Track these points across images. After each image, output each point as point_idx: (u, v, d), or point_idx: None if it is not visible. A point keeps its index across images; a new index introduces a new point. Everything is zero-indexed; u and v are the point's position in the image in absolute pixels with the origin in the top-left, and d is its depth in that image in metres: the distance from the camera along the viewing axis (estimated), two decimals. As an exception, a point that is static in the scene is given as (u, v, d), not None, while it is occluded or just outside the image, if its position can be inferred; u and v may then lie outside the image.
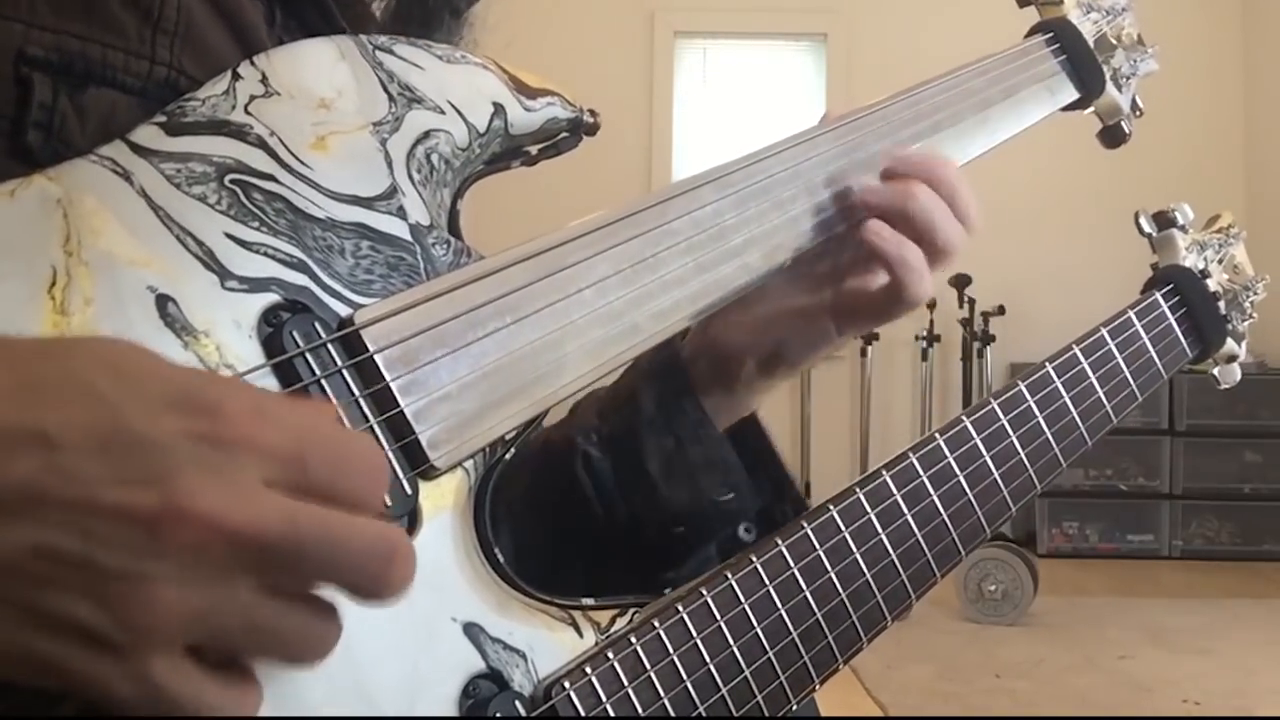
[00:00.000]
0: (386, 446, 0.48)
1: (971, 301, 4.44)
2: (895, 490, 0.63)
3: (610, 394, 0.69)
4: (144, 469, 0.34)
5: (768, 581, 0.57)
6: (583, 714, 0.50)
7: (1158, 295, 0.81)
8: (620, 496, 0.67)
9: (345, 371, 0.47)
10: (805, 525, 0.60)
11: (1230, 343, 0.86)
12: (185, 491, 0.34)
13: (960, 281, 4.40)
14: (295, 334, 0.47)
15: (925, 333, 4.66)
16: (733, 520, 0.67)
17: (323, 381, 0.47)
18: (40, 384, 0.35)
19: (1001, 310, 4.52)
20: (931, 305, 4.54)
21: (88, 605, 0.34)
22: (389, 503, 0.47)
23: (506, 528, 0.57)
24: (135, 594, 0.34)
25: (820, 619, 0.58)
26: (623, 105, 4.89)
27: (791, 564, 0.58)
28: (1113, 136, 0.89)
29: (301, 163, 0.50)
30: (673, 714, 0.53)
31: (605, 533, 0.67)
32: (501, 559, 0.52)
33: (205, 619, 0.35)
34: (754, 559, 0.57)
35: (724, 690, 0.54)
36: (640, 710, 0.52)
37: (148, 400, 0.36)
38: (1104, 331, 0.76)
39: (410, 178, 0.53)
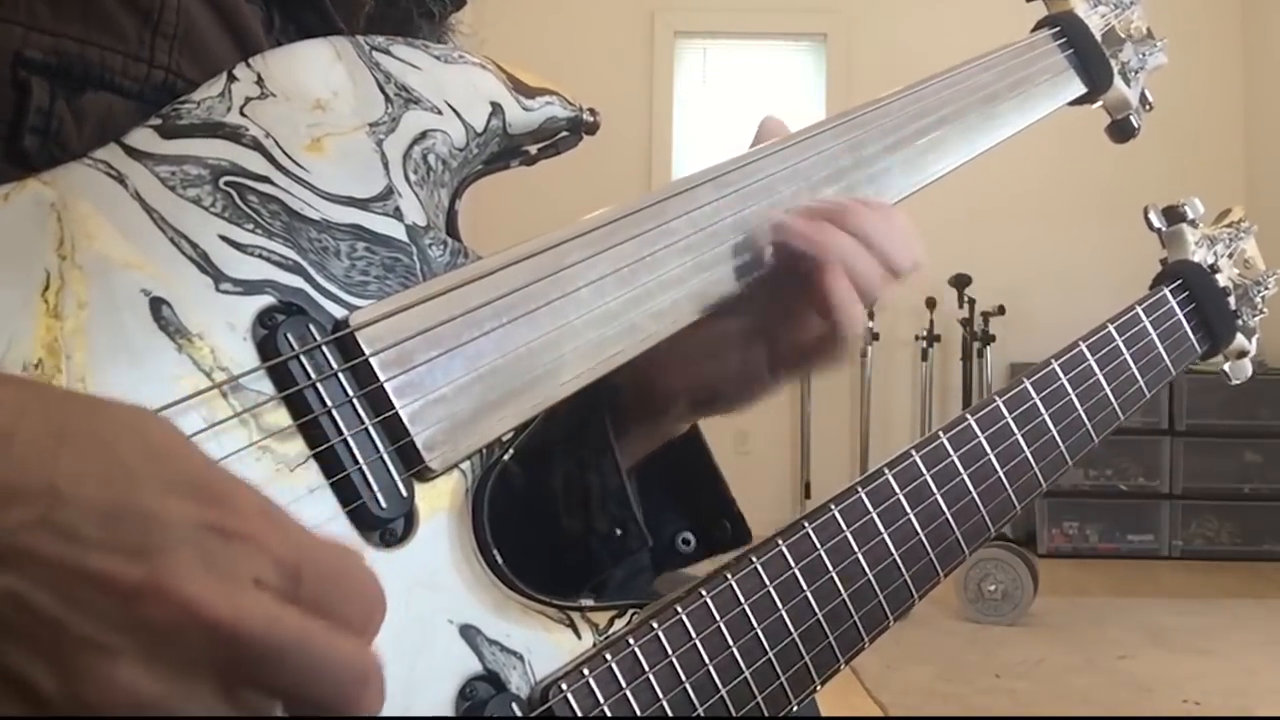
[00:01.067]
0: (382, 448, 0.47)
1: (971, 301, 4.43)
2: (898, 489, 0.62)
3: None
4: (140, 542, 0.34)
5: (768, 582, 0.57)
6: (580, 715, 0.50)
7: (1166, 291, 0.80)
8: (525, 512, 0.65)
9: (340, 374, 0.47)
10: (806, 525, 0.59)
11: (1240, 338, 0.86)
12: (173, 571, 0.34)
13: (960, 281, 4.40)
14: (290, 336, 0.46)
15: (925, 333, 4.65)
16: (617, 557, 0.65)
17: (318, 384, 0.46)
18: (67, 436, 0.35)
19: (1001, 310, 4.51)
20: (931, 305, 4.54)
21: (43, 665, 0.33)
22: (383, 505, 0.47)
23: (503, 524, 0.56)
24: (95, 665, 0.33)
25: (821, 619, 0.58)
26: (623, 105, 4.88)
27: (792, 564, 0.58)
28: (1122, 131, 0.88)
29: (297, 164, 0.50)
30: (671, 715, 0.52)
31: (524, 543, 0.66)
32: (500, 560, 0.51)
33: (157, 708, 0.34)
34: (754, 559, 0.57)
35: (723, 691, 0.54)
36: (638, 711, 0.51)
37: (164, 479, 0.35)
38: (1111, 328, 0.75)
39: (407, 178, 0.53)
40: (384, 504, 0.47)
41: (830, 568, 0.59)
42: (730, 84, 5.21)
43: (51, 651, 0.33)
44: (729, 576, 0.56)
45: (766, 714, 0.56)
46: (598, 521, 0.65)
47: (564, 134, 0.60)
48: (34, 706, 0.33)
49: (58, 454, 0.34)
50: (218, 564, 0.34)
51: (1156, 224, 0.85)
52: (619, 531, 0.65)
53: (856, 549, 0.60)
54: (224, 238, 0.47)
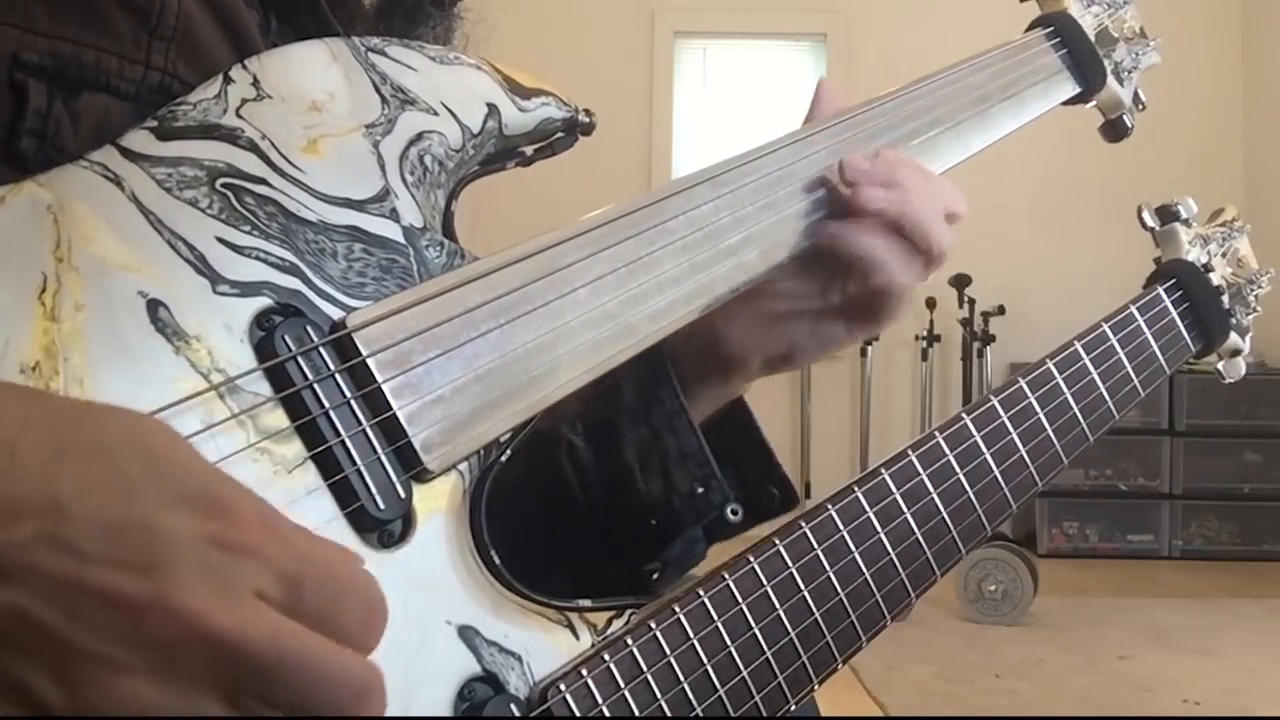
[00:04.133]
0: (380, 449, 0.48)
1: (971, 301, 4.43)
2: (894, 488, 0.62)
3: (593, 381, 0.69)
4: (143, 557, 0.34)
5: (765, 581, 0.57)
6: (578, 716, 0.50)
7: (1160, 290, 0.81)
8: (600, 487, 0.67)
9: (338, 375, 0.47)
10: (804, 524, 0.59)
11: (1234, 337, 0.86)
12: (176, 586, 0.34)
13: (960, 281, 4.40)
14: (287, 338, 0.46)
15: (925, 333, 4.65)
16: (701, 515, 0.66)
17: (315, 385, 0.46)
18: (69, 450, 0.35)
19: (1001, 310, 4.52)
20: (931, 305, 4.54)
21: (48, 679, 0.33)
22: (381, 506, 0.47)
23: (500, 523, 0.56)
24: (99, 679, 0.33)
25: (819, 618, 0.58)
26: (623, 105, 4.88)
27: (790, 563, 0.58)
28: (1115, 130, 0.88)
29: (293, 166, 0.50)
30: (670, 715, 0.52)
31: (588, 524, 0.67)
32: (498, 561, 0.52)
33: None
34: (751, 559, 0.57)
35: (721, 691, 0.54)
36: (637, 712, 0.52)
37: (167, 491, 0.35)
38: (1105, 327, 0.76)
39: (403, 180, 0.53)
40: (382, 505, 0.47)
41: (827, 567, 0.59)
42: (730, 84, 5.21)
43: (56, 665, 0.33)
44: (726, 576, 0.57)
45: (765, 713, 0.56)
46: (679, 481, 0.66)
47: (560, 135, 0.60)
48: (39, 716, 0.33)
49: (60, 467, 0.34)
50: (220, 577, 0.35)
51: (1150, 223, 0.86)
52: (701, 489, 0.66)
53: (853, 548, 0.60)
54: (221, 239, 0.47)
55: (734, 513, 0.66)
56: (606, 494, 0.67)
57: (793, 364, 0.70)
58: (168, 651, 0.34)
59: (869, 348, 4.70)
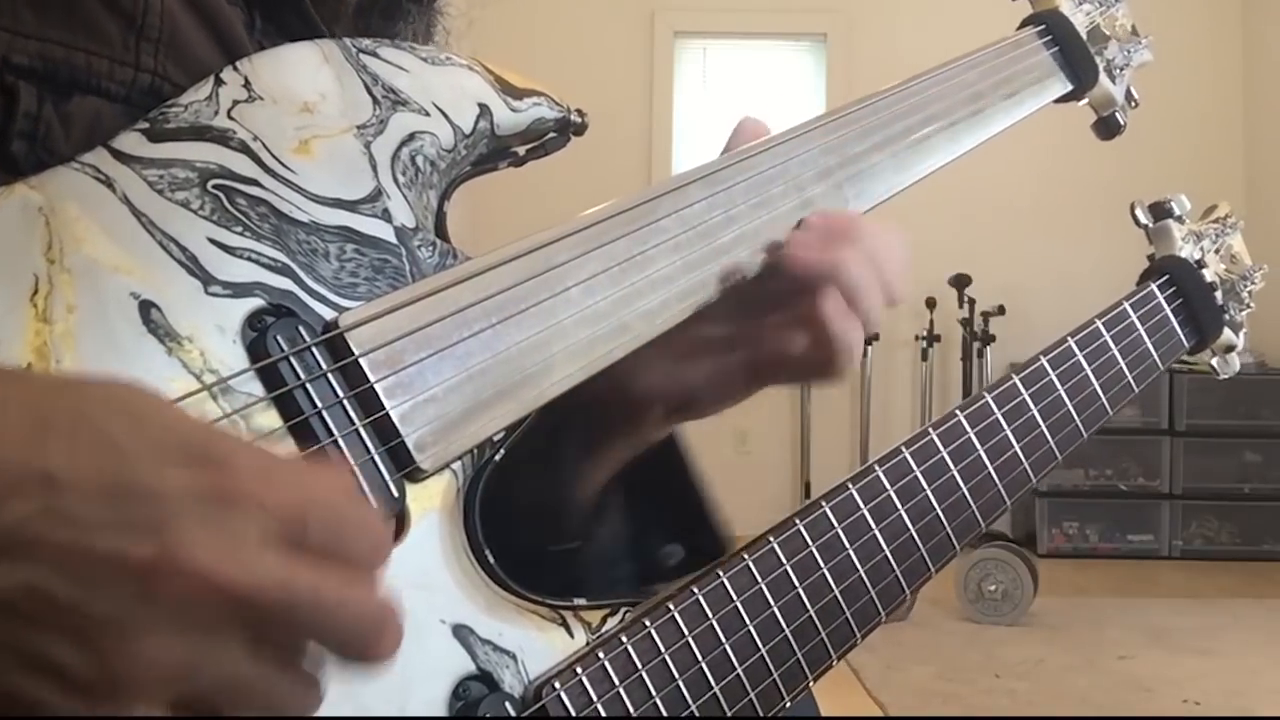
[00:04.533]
0: (372, 449, 0.48)
1: (971, 301, 4.43)
2: (888, 485, 0.63)
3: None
4: (144, 518, 0.34)
5: (760, 579, 0.57)
6: (573, 714, 0.50)
7: (1153, 286, 0.81)
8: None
9: (330, 375, 0.47)
10: (797, 522, 0.60)
11: (1228, 333, 0.86)
12: (182, 544, 0.34)
13: (960, 281, 4.40)
14: (279, 338, 0.47)
15: (925, 333, 4.65)
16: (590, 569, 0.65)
17: (307, 385, 0.47)
18: (52, 423, 0.35)
19: (1001, 310, 4.51)
20: (931, 305, 4.54)
21: (72, 649, 0.34)
22: (374, 505, 0.47)
23: (503, 519, 0.56)
24: (122, 642, 0.34)
25: (813, 615, 0.58)
26: (623, 105, 4.89)
27: (784, 560, 0.58)
28: (1107, 127, 0.88)
29: (285, 166, 0.50)
30: (665, 713, 0.53)
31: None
32: (492, 560, 0.52)
33: (189, 673, 0.35)
34: (745, 556, 0.57)
35: (716, 689, 0.54)
36: (632, 709, 0.52)
37: (157, 450, 0.35)
38: (1099, 323, 0.76)
39: (395, 180, 0.53)
40: (375, 504, 0.47)
41: (821, 564, 0.59)
42: (730, 84, 5.21)
43: (77, 634, 0.34)
44: (720, 574, 0.57)
45: (760, 710, 0.56)
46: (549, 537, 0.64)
47: (552, 135, 0.60)
48: (70, 688, 0.34)
49: (46, 441, 0.34)
50: (223, 529, 0.35)
51: (1143, 220, 0.86)
52: (576, 544, 0.65)
53: (848, 545, 0.60)
54: (213, 240, 0.47)
55: (668, 556, 0.65)
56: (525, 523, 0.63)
57: (695, 409, 0.66)
58: (183, 608, 0.34)
59: (869, 348, 4.70)
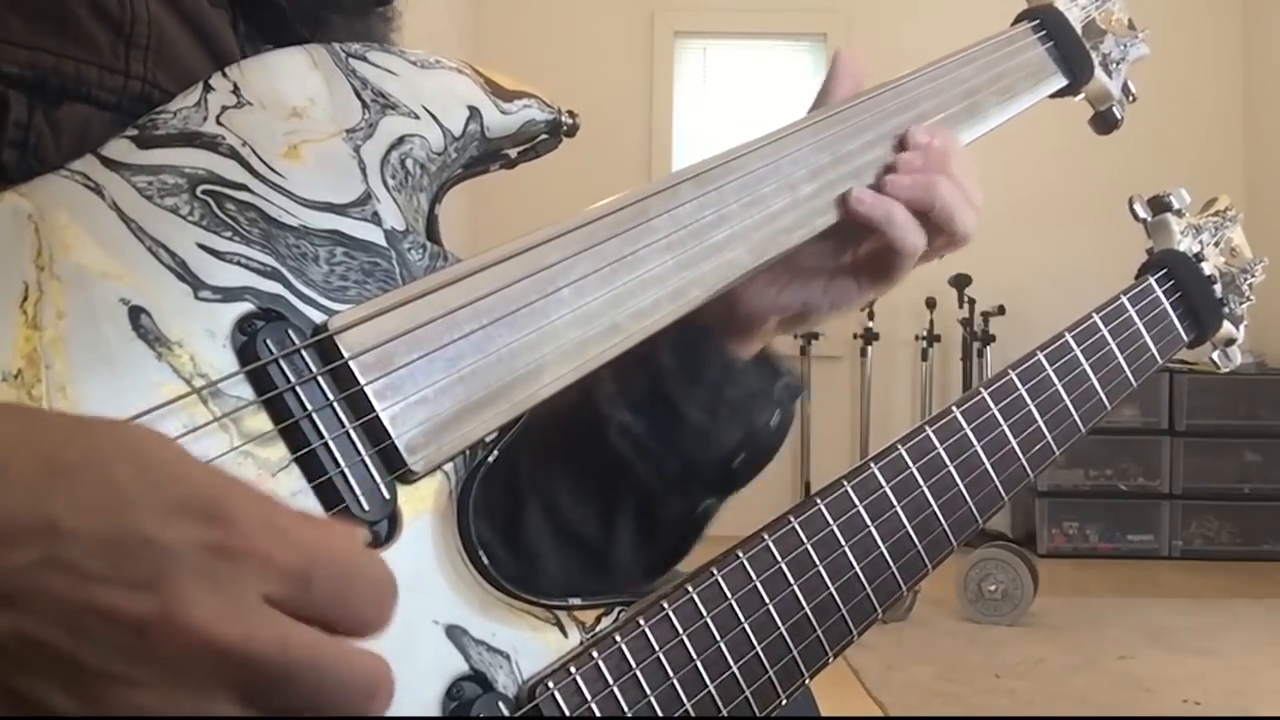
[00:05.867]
0: (363, 451, 0.48)
1: (971, 301, 4.42)
2: (884, 482, 0.63)
3: (621, 361, 0.69)
4: (145, 572, 0.34)
5: (754, 576, 0.57)
6: (567, 714, 0.50)
7: (1151, 280, 0.81)
8: (669, 450, 0.69)
9: (320, 377, 0.47)
10: (793, 519, 0.59)
11: (1227, 326, 0.86)
12: (180, 600, 0.34)
13: (960, 281, 4.38)
14: (269, 341, 0.47)
15: (925, 333, 4.64)
16: (781, 437, 0.71)
17: (297, 388, 0.47)
18: (60, 468, 0.35)
19: (1001, 310, 4.50)
20: (931, 305, 4.53)
21: (64, 695, 0.34)
22: (365, 508, 0.47)
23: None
24: (111, 694, 0.34)
25: (809, 612, 0.58)
26: (623, 105, 4.88)
27: (779, 558, 0.58)
28: (1104, 122, 0.88)
29: (274, 171, 0.50)
30: (659, 712, 0.53)
31: (657, 489, 0.69)
32: (486, 560, 0.52)
33: None
34: (740, 554, 0.57)
35: (711, 687, 0.54)
36: (626, 709, 0.52)
37: (164, 501, 0.35)
38: (1096, 318, 0.76)
39: (385, 183, 0.53)
40: (366, 507, 0.47)
41: (817, 561, 0.59)
42: (730, 84, 5.21)
43: (68, 683, 0.34)
44: (715, 572, 0.57)
45: (756, 709, 0.56)
46: (760, 418, 0.71)
47: (543, 137, 0.60)
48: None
49: (53, 486, 0.34)
50: (224, 586, 0.35)
51: (1141, 214, 0.86)
52: (778, 414, 0.72)
53: (844, 542, 0.60)
54: (202, 246, 0.47)
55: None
56: (679, 454, 0.69)
57: (807, 323, 0.73)
58: (176, 665, 0.34)
59: (869, 347, 4.70)
